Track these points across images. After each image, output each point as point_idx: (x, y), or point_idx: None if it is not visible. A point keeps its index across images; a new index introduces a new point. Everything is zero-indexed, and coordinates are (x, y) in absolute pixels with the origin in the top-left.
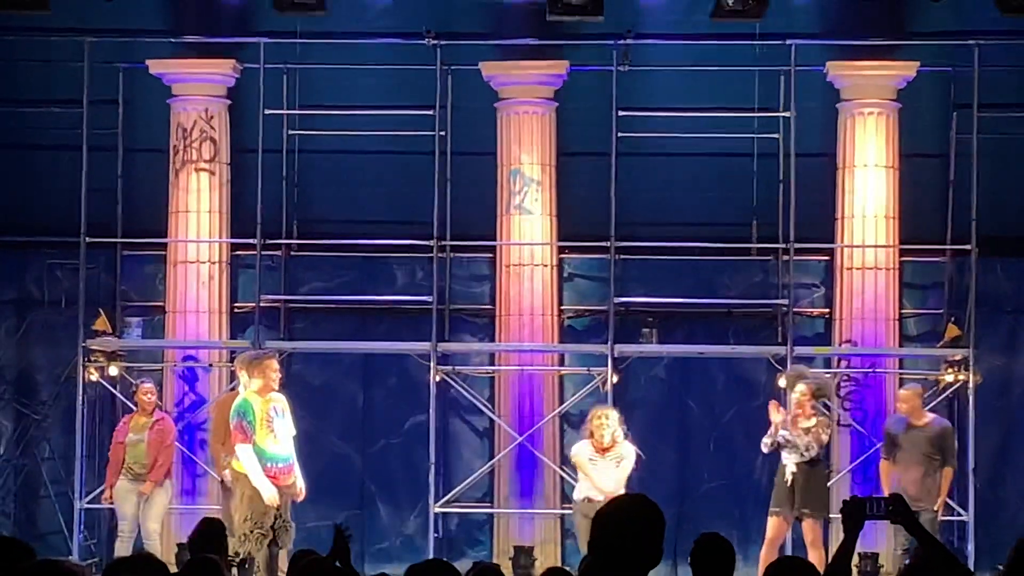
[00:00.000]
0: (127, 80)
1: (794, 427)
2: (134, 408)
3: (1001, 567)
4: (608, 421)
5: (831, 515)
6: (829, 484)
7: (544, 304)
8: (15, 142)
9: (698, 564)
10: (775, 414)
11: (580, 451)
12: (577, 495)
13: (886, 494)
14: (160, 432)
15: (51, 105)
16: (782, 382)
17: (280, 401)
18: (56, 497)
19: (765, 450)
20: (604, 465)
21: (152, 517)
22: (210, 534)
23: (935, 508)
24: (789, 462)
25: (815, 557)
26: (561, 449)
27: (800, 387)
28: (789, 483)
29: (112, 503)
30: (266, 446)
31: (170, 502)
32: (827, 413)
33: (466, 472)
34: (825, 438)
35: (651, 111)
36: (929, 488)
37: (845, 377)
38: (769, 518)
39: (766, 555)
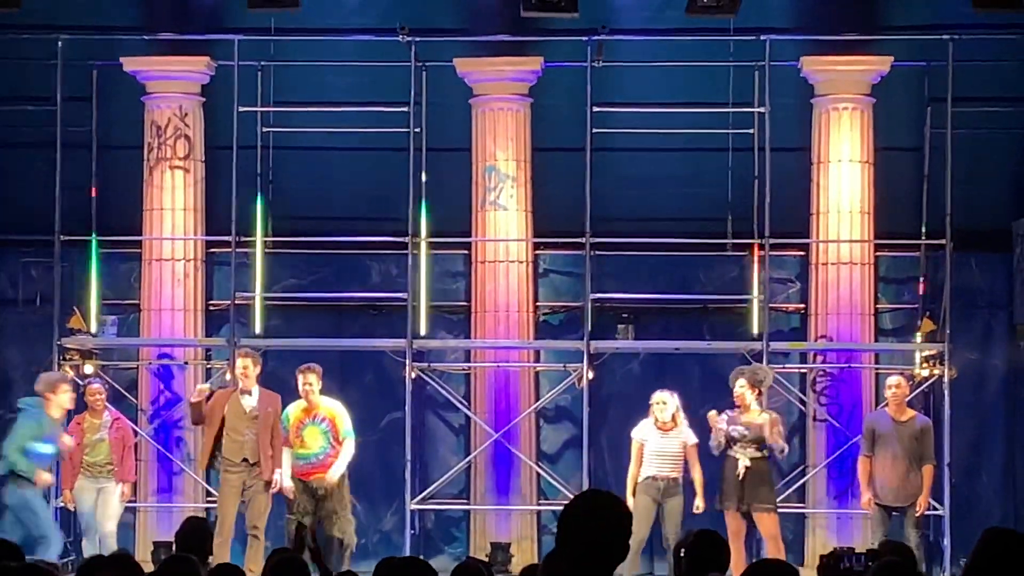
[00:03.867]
0: (101, 78)
1: (743, 423)
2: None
3: (963, 562)
4: (666, 405)
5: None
6: (804, 480)
7: (519, 300)
8: None
9: (693, 559)
10: (716, 421)
11: (636, 432)
12: (640, 476)
13: (865, 490)
14: (122, 431)
15: (24, 103)
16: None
17: (324, 410)
18: None
19: (716, 452)
20: (662, 443)
21: (110, 517)
22: (194, 533)
23: (919, 507)
24: (743, 456)
25: (775, 549)
26: (537, 445)
27: (740, 381)
28: (741, 476)
29: (71, 506)
30: (295, 448)
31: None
32: (799, 407)
33: (442, 469)
34: (784, 432)
35: (625, 107)
36: (914, 483)
37: (821, 372)
38: (725, 513)
39: (733, 549)
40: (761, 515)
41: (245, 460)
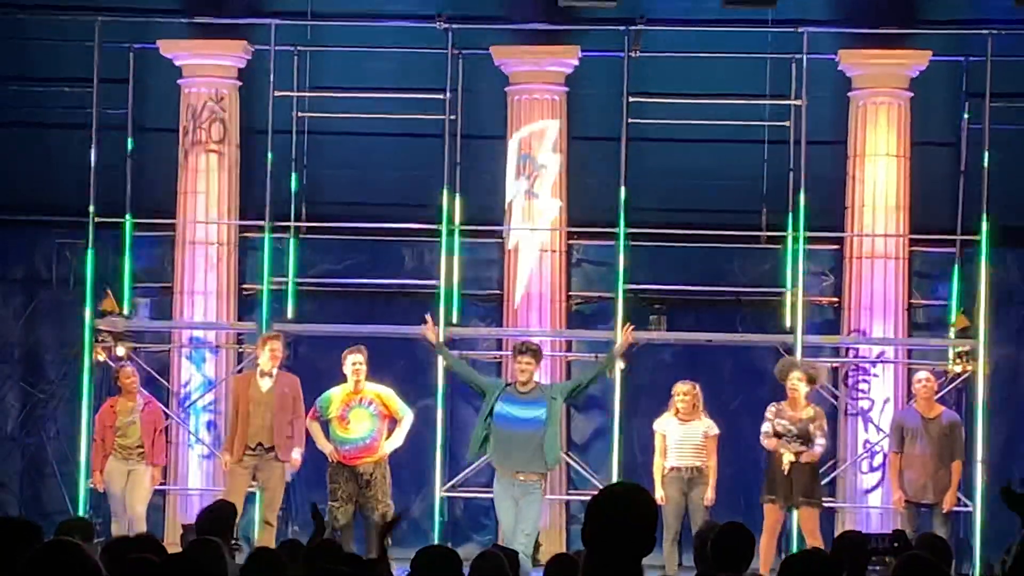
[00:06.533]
0: (138, 60)
1: (789, 417)
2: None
3: (1005, 558)
4: (685, 396)
5: (825, 504)
6: (835, 474)
7: (552, 290)
8: (25, 120)
9: (718, 552)
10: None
11: (658, 424)
12: (665, 466)
13: (896, 487)
14: (153, 414)
15: (61, 84)
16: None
17: (370, 392)
18: (62, 476)
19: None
20: (684, 433)
21: (140, 500)
22: (218, 516)
23: (946, 503)
24: (788, 451)
25: (815, 545)
26: (568, 435)
27: (795, 374)
28: (787, 471)
29: (101, 488)
30: (337, 433)
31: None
32: (831, 401)
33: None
34: (825, 429)
35: (662, 97)
36: (942, 480)
37: (853, 366)
38: (765, 506)
39: (766, 544)
40: (804, 509)
41: (260, 444)
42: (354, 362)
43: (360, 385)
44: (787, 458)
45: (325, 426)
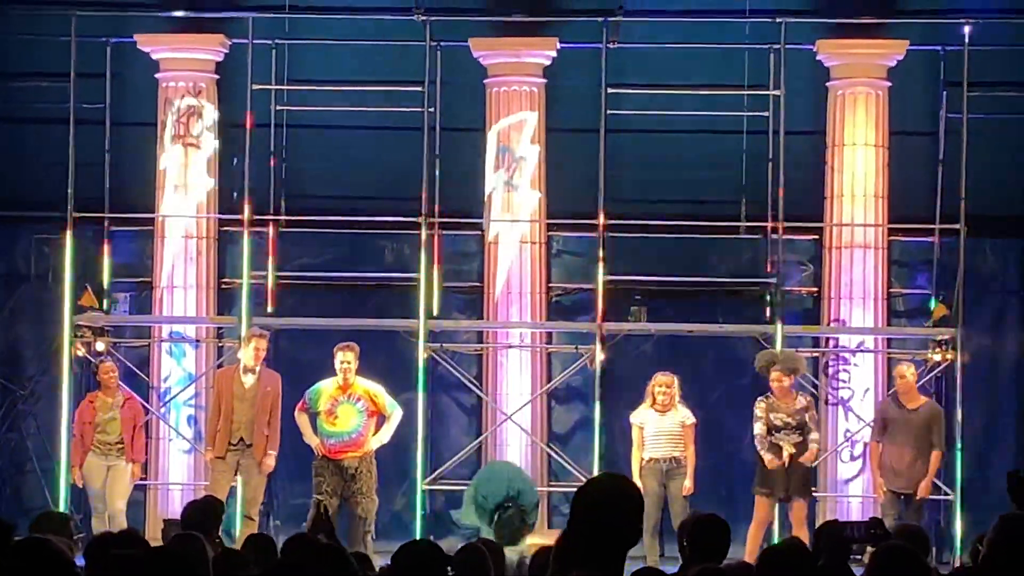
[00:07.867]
0: (115, 54)
1: (784, 411)
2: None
3: (981, 546)
4: (668, 389)
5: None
6: (815, 463)
7: (532, 281)
8: (1, 116)
9: (694, 543)
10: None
11: (634, 416)
12: (643, 458)
13: (876, 476)
14: (133, 409)
15: (38, 79)
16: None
17: (359, 388)
18: (42, 472)
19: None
20: (661, 423)
21: (119, 496)
22: (204, 510)
23: (919, 491)
24: (787, 444)
25: (801, 536)
26: (548, 426)
27: (774, 373)
28: (786, 463)
29: (81, 484)
30: (324, 427)
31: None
32: (811, 391)
33: (454, 449)
34: (817, 419)
35: (640, 88)
36: (921, 471)
37: (833, 356)
38: (757, 498)
39: (755, 534)
40: (799, 502)
41: (241, 440)
42: (342, 360)
43: (349, 381)
44: (787, 451)
45: (313, 419)
